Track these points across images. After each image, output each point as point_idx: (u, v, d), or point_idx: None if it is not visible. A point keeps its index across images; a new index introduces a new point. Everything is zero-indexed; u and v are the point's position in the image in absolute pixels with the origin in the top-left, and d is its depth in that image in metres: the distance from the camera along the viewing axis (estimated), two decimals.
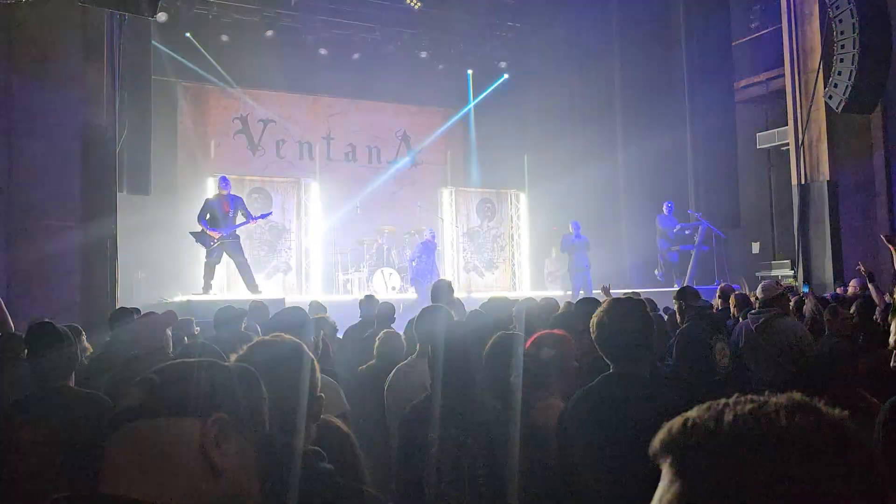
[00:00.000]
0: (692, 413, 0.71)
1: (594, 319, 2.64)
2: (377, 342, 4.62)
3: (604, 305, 2.68)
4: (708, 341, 4.92)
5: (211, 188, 12.19)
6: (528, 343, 3.18)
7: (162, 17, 12.89)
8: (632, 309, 2.63)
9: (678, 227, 13.30)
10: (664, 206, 13.51)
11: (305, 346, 1.98)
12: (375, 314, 6.08)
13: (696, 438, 0.69)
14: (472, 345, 2.98)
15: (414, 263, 12.15)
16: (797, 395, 0.71)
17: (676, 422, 0.71)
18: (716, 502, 0.65)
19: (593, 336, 2.64)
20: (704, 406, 0.72)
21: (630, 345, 2.55)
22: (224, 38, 14.62)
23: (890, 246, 5.83)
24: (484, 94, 17.50)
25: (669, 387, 2.61)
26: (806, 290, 9.20)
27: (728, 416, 0.68)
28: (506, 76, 17.50)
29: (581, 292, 11.76)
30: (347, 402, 3.34)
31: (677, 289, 6.31)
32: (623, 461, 2.21)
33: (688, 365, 4.88)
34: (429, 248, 12.21)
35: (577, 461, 2.51)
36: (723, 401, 0.72)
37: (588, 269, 12.66)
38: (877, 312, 5.54)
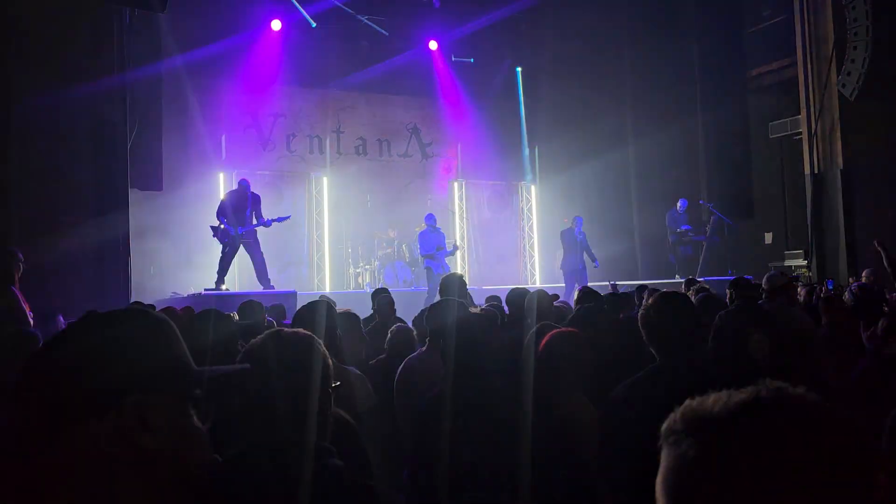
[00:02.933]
0: (691, 403, 0.78)
1: (641, 314, 2.71)
2: (388, 335, 4.63)
3: (651, 301, 2.73)
4: (743, 332, 4.82)
5: (222, 183, 12.23)
6: (542, 343, 3.23)
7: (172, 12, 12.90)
8: (677, 304, 2.69)
9: (681, 229, 13.22)
10: (678, 203, 13.44)
11: (318, 340, 1.98)
12: (375, 307, 6.12)
13: (691, 424, 0.75)
14: (484, 337, 3.00)
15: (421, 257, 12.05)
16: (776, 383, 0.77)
17: (679, 410, 0.78)
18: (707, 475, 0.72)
19: (642, 330, 2.70)
20: (701, 398, 0.78)
21: (674, 338, 2.60)
22: (234, 33, 14.63)
23: (881, 250, 5.82)
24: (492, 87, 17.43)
25: (711, 380, 2.62)
26: (830, 285, 9.08)
27: (718, 405, 0.75)
28: (519, 68, 17.44)
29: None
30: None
31: (684, 280, 6.24)
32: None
33: (720, 355, 4.80)
34: (424, 237, 12.07)
35: (615, 452, 2.54)
36: (724, 392, 0.77)
37: (584, 270, 12.46)
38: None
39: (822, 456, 0.70)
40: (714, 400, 0.76)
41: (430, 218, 12.23)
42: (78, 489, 1.01)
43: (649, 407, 2.42)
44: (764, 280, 5.26)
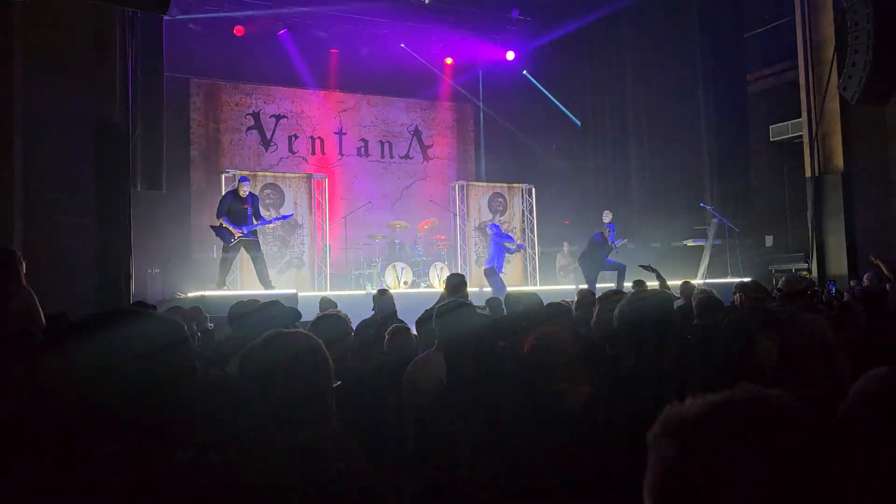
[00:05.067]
0: (670, 407, 0.80)
1: (616, 310, 2.66)
2: (387, 337, 4.62)
3: (627, 297, 2.70)
4: (751, 336, 4.72)
5: (224, 184, 12.24)
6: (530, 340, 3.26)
7: (174, 13, 12.92)
8: (651, 303, 2.65)
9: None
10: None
11: (319, 340, 1.98)
12: (377, 309, 6.10)
13: (669, 426, 0.78)
14: (490, 336, 3.01)
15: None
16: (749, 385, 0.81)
17: (667, 413, 0.80)
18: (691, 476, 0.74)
19: (615, 326, 2.66)
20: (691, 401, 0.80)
21: (645, 338, 2.56)
22: (236, 34, 14.66)
23: (879, 263, 5.79)
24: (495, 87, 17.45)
25: (678, 381, 2.60)
26: (832, 288, 9.07)
27: (694, 407, 0.78)
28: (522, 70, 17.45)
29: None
30: (359, 398, 3.35)
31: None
32: (621, 451, 2.25)
33: (727, 358, 4.70)
34: (492, 241, 12.02)
35: (594, 449, 2.54)
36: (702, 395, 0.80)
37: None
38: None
39: (787, 454, 0.73)
40: (691, 402, 0.78)
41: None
42: None
43: (619, 406, 2.42)
44: (781, 282, 5.20)
